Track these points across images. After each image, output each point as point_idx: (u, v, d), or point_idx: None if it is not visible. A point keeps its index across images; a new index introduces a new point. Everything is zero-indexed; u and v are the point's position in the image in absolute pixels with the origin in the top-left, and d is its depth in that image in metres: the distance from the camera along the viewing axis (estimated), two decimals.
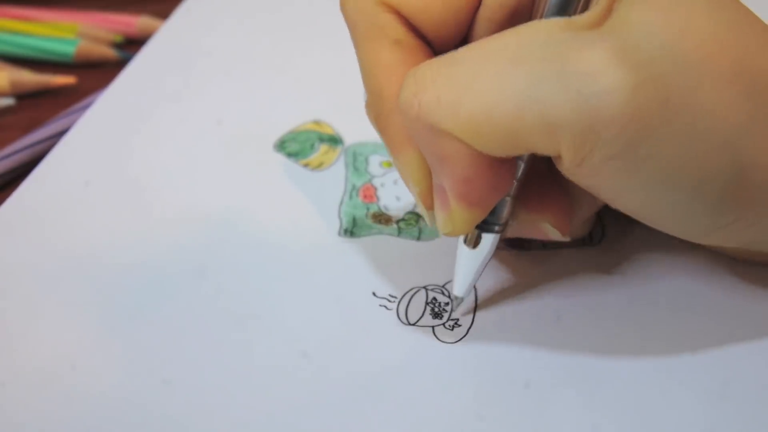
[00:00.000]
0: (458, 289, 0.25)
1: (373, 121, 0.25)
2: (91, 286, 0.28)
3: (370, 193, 0.31)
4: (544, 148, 0.21)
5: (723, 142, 0.21)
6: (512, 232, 0.25)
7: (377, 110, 0.24)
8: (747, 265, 0.27)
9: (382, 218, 0.30)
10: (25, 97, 0.40)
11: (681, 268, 0.27)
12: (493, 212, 0.24)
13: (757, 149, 0.21)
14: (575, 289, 0.27)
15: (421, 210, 0.25)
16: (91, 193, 0.32)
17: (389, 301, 0.27)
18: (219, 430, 0.23)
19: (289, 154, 0.33)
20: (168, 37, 0.41)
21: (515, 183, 0.23)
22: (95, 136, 0.35)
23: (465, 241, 0.24)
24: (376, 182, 0.31)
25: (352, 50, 0.39)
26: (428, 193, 0.24)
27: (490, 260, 0.25)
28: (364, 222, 0.30)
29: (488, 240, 0.24)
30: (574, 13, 0.21)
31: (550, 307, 0.26)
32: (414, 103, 0.21)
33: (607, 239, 0.28)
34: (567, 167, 0.21)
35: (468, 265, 0.25)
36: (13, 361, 0.25)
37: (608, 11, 0.20)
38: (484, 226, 0.24)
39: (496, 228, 0.24)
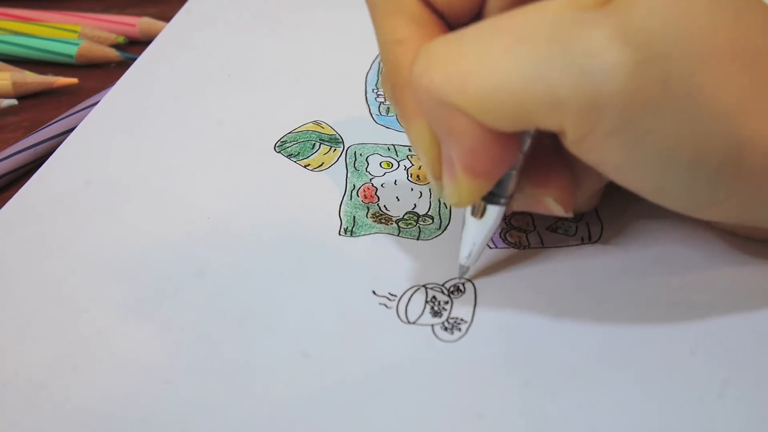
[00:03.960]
0: (464, 257, 0.26)
1: (388, 92, 0.26)
2: (91, 286, 0.28)
3: (370, 193, 0.31)
4: (548, 124, 0.21)
5: (721, 119, 0.21)
6: (517, 206, 0.26)
7: (392, 81, 0.25)
8: (748, 261, 0.27)
9: (381, 218, 0.30)
10: (28, 98, 0.40)
11: (680, 267, 0.27)
12: (499, 185, 0.24)
13: (754, 127, 0.22)
14: (574, 287, 0.27)
15: (429, 179, 0.25)
16: (92, 192, 0.32)
17: (389, 299, 0.27)
18: (219, 430, 0.23)
19: (290, 155, 0.33)
20: (170, 39, 0.41)
21: (521, 156, 0.24)
22: (97, 136, 0.35)
23: (472, 213, 0.25)
24: (376, 182, 0.31)
25: (352, 51, 0.39)
26: (437, 162, 0.24)
27: (493, 248, 0.26)
28: (364, 222, 0.30)
29: (493, 211, 0.25)
30: None
31: (549, 306, 0.26)
32: (425, 77, 0.22)
33: (606, 237, 0.28)
34: (571, 142, 0.22)
35: (474, 235, 0.26)
36: (13, 361, 0.26)
37: None
38: (490, 198, 0.25)
39: (502, 200, 0.25)
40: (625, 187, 0.24)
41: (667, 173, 0.22)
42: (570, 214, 0.26)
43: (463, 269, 0.27)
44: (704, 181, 0.22)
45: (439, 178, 0.24)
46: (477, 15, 0.25)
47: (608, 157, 0.22)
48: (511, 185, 0.24)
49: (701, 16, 0.21)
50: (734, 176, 0.22)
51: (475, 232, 0.26)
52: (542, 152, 0.25)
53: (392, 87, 0.25)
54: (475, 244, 0.26)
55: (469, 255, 0.26)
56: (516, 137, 0.23)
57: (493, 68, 0.21)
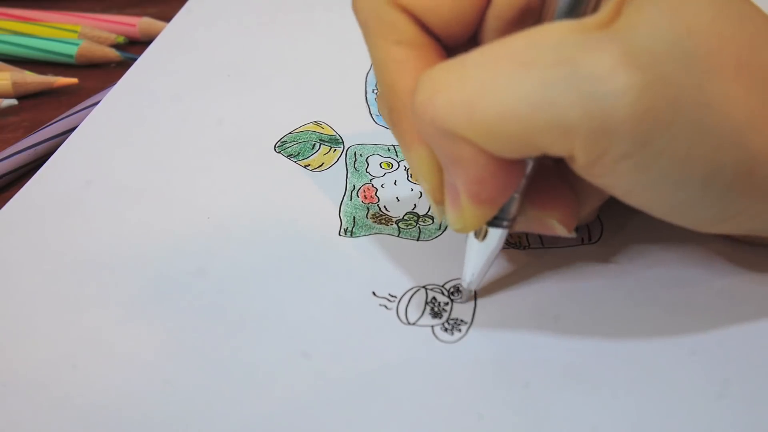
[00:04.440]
0: (467, 281, 0.26)
1: (385, 116, 0.25)
2: (92, 285, 0.28)
3: (370, 194, 0.31)
4: (557, 150, 0.21)
5: (731, 136, 0.21)
6: (520, 228, 0.25)
7: (390, 106, 0.24)
8: (747, 260, 0.27)
9: (381, 218, 0.30)
10: (28, 98, 0.40)
11: (680, 266, 0.27)
12: (502, 208, 0.24)
13: (763, 140, 0.22)
14: (574, 287, 0.27)
15: (430, 204, 0.25)
16: (93, 192, 0.32)
17: (389, 300, 0.27)
18: (219, 430, 0.23)
19: (290, 155, 0.33)
20: (170, 39, 0.41)
21: (524, 180, 0.24)
22: (97, 136, 0.35)
23: (475, 235, 0.25)
24: (376, 183, 0.31)
25: (352, 52, 0.39)
26: (438, 188, 0.24)
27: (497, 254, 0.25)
28: (364, 222, 0.30)
29: (497, 235, 0.25)
30: (584, 15, 0.21)
31: (549, 307, 0.26)
32: (429, 107, 0.21)
33: (606, 237, 0.28)
34: (580, 167, 0.21)
35: (477, 258, 0.25)
36: (13, 361, 0.26)
37: (617, 13, 0.21)
38: (493, 222, 0.24)
39: (505, 223, 0.24)
40: (634, 207, 0.23)
41: (679, 192, 0.22)
42: (573, 235, 0.25)
43: (467, 293, 0.26)
44: (716, 198, 0.22)
45: (440, 203, 0.24)
46: (473, 37, 0.25)
47: (619, 179, 0.22)
48: (513, 208, 0.24)
49: (705, 31, 0.21)
50: (745, 191, 0.22)
51: (477, 255, 0.25)
52: (545, 174, 0.25)
53: (389, 111, 0.25)
54: (478, 267, 0.25)
55: (472, 278, 0.26)
56: (521, 162, 0.22)
57: (499, 95, 0.20)
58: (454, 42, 0.25)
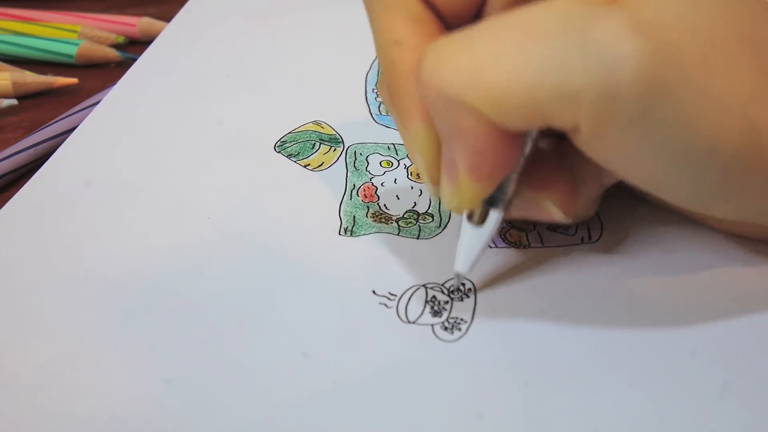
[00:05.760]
0: (460, 265, 0.25)
1: (384, 93, 0.25)
2: (91, 286, 0.28)
3: (370, 193, 0.31)
4: (562, 119, 0.21)
5: (735, 106, 0.21)
6: (516, 212, 0.25)
7: (390, 81, 0.25)
8: (748, 260, 0.27)
9: (381, 217, 0.30)
10: (28, 98, 0.40)
11: (680, 267, 0.27)
12: (499, 189, 0.24)
13: (767, 114, 0.22)
14: (574, 287, 0.27)
15: (426, 183, 0.25)
16: (92, 193, 0.32)
17: (389, 299, 0.27)
18: (219, 430, 0.23)
19: (290, 155, 0.33)
20: (170, 39, 0.41)
21: (522, 160, 0.24)
22: (97, 136, 0.35)
23: (468, 219, 0.25)
24: (376, 182, 0.31)
25: (352, 51, 0.39)
26: (434, 165, 0.24)
27: (492, 247, 0.26)
28: (364, 221, 0.30)
29: (492, 217, 0.24)
30: None
31: (549, 306, 0.26)
32: (434, 75, 0.21)
33: (606, 237, 0.28)
34: (584, 139, 0.22)
35: (471, 241, 0.25)
36: (13, 361, 0.26)
37: None
38: (488, 203, 0.24)
39: (500, 205, 0.24)
40: (635, 185, 0.23)
41: (682, 164, 0.22)
42: (569, 220, 0.25)
43: (461, 278, 0.26)
44: (719, 173, 0.22)
45: (436, 182, 0.24)
46: (476, 16, 0.25)
47: (623, 151, 0.22)
48: (510, 189, 0.24)
49: (709, 4, 0.21)
50: (748, 165, 0.22)
51: (472, 238, 0.25)
52: (541, 157, 0.25)
53: (389, 87, 0.25)
54: (472, 251, 0.25)
55: (464, 263, 0.25)
56: (520, 139, 0.23)
57: (505, 63, 0.21)
58: (457, 20, 0.25)
